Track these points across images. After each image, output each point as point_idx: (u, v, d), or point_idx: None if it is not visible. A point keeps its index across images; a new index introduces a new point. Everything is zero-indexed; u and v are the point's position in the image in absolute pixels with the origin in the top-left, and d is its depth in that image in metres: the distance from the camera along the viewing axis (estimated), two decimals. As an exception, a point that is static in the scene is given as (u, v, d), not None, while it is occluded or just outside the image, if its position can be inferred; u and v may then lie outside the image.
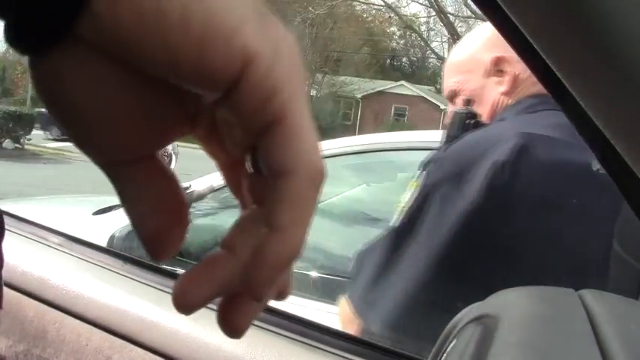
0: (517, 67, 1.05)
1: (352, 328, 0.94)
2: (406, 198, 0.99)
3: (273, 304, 0.30)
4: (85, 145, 0.22)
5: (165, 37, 0.19)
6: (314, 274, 1.86)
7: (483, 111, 1.12)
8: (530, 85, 1.04)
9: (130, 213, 0.23)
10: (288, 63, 0.21)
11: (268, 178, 0.22)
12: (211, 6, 0.19)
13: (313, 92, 22.41)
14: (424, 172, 0.98)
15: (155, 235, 0.23)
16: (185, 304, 0.23)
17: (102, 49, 0.20)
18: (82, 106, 0.21)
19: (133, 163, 0.23)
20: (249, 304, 0.24)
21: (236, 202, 0.28)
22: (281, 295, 0.26)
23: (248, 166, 0.25)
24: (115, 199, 0.37)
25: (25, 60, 0.21)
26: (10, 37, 0.19)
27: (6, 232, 0.29)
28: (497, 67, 1.08)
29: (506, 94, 1.07)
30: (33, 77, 0.21)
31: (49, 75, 0.20)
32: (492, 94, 1.10)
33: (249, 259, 0.22)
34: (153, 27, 0.19)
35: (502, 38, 1.01)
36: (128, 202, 0.23)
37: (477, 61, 1.11)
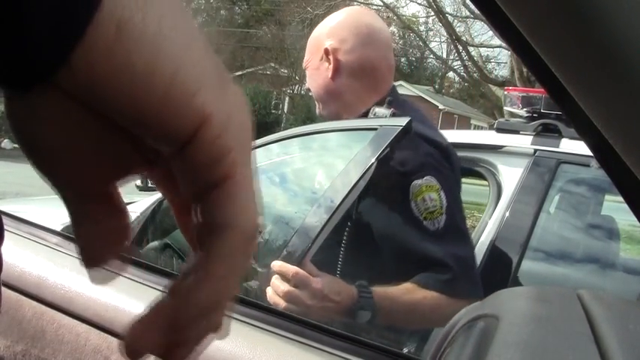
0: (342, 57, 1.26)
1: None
2: (429, 202, 1.12)
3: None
4: (48, 176, 0.23)
5: (133, 92, 0.20)
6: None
7: (316, 88, 1.34)
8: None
9: (77, 235, 0.25)
10: (239, 126, 0.23)
11: (210, 228, 0.24)
12: (176, 66, 0.20)
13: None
14: (428, 177, 1.13)
15: (93, 256, 0.25)
16: (133, 351, 0.24)
17: (75, 96, 0.20)
18: (50, 142, 0.22)
19: (90, 197, 0.24)
20: (191, 346, 0.25)
21: None
22: (219, 334, 0.27)
23: (195, 215, 0.26)
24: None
25: None
26: None
27: (4, 232, 0.29)
28: (328, 55, 1.28)
29: (332, 78, 1.28)
30: (5, 108, 0.22)
31: (21, 110, 0.21)
32: (323, 76, 1.30)
33: (181, 298, 0.24)
34: (122, 82, 0.20)
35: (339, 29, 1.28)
36: (78, 227, 0.25)
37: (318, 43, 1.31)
